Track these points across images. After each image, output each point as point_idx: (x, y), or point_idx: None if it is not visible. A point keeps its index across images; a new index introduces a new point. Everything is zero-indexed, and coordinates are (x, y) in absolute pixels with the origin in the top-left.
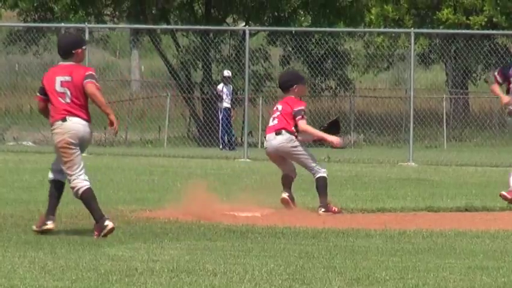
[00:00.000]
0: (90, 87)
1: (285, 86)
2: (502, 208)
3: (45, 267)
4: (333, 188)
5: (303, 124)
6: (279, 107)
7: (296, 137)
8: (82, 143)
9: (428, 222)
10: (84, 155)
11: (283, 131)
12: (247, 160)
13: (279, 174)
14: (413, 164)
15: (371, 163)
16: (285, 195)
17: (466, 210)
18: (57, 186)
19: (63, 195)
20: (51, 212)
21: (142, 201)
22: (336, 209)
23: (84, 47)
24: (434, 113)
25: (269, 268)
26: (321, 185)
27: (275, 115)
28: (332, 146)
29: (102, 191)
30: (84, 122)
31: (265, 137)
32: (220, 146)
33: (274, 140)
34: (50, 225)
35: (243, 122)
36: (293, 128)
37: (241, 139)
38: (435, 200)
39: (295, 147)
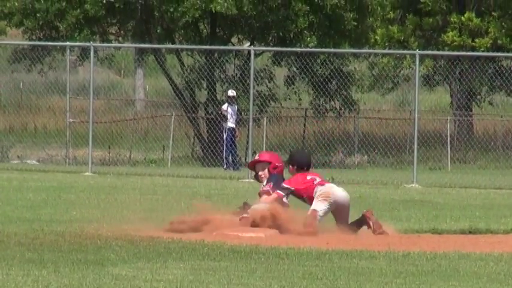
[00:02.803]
0: None
1: (310, 164)
2: (506, 231)
3: (49, 286)
4: None
5: None
6: (317, 178)
7: None
8: None
9: (432, 244)
10: (88, 173)
11: None
12: (251, 180)
13: None
14: (417, 185)
15: (375, 184)
16: None
17: (470, 232)
18: None
19: (65, 213)
20: None
21: (146, 220)
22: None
23: None
24: (438, 135)
25: None
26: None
27: (317, 181)
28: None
29: (106, 210)
30: None
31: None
32: (224, 166)
33: (345, 192)
34: None
35: (247, 142)
36: None
37: (245, 159)
38: (439, 222)
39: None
